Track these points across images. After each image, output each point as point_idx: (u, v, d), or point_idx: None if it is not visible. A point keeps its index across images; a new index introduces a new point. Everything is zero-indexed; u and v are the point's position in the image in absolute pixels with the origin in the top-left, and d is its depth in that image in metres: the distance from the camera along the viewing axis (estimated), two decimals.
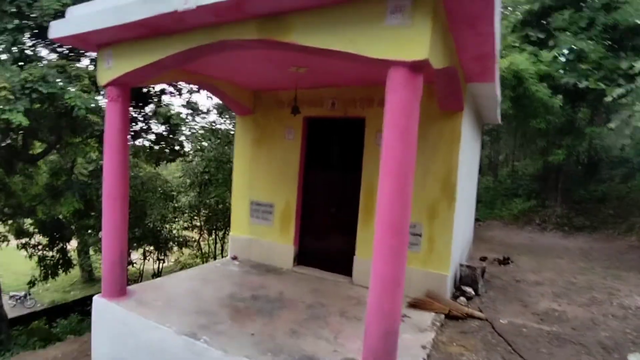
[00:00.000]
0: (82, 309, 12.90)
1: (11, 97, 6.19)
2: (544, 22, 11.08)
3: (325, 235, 5.19)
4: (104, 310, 3.86)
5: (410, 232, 3.65)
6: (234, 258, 5.64)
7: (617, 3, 9.79)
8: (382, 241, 2.47)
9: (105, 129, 3.74)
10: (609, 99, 8.12)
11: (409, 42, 2.27)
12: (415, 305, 3.99)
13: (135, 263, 13.54)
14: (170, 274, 5.22)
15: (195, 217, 12.84)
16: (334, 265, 5.02)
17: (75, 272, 15.96)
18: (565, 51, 10.15)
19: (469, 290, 4.51)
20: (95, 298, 3.96)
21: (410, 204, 2.52)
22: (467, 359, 3.16)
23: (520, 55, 9.58)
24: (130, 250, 12.20)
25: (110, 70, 3.53)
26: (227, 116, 11.57)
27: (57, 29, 3.44)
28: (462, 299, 4.34)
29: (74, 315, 12.37)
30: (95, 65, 9.49)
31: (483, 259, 6.76)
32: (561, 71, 9.90)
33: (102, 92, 8.77)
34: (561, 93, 10.06)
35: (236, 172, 5.87)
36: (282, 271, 5.16)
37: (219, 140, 10.69)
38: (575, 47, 9.65)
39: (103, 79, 3.61)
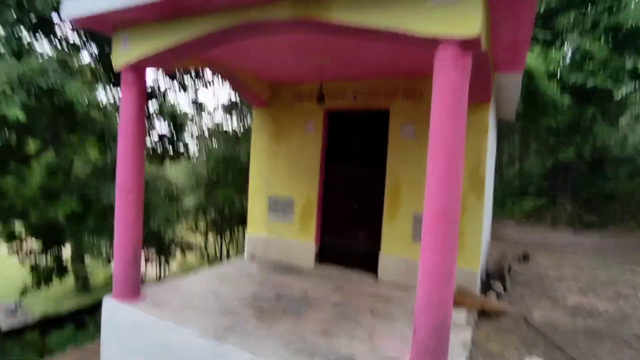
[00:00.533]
0: (76, 320, 12.36)
1: (8, 91, 5.91)
2: (549, 24, 11.19)
3: (348, 232, 4.99)
4: (116, 312, 3.60)
5: None
6: (252, 257, 5.40)
7: (620, 5, 9.93)
8: (433, 229, 2.32)
9: (120, 115, 3.51)
10: (618, 96, 8.14)
11: (459, 19, 2.16)
12: None
13: None
14: (185, 274, 4.97)
15: (201, 219, 12.53)
16: (357, 263, 4.83)
17: (68, 281, 15.37)
18: (570, 52, 10.24)
19: (498, 286, 4.36)
20: (106, 299, 3.69)
21: (461, 189, 2.37)
22: (509, 356, 3.00)
23: (529, 54, 9.60)
24: None
25: (127, 52, 3.31)
26: (234, 115, 11.38)
27: (71, 9, 3.18)
28: (492, 294, 4.18)
29: (68, 328, 11.83)
30: (96, 61, 9.29)
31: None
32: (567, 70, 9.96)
33: (104, 87, 8.52)
34: (568, 92, 10.09)
35: (253, 168, 5.61)
36: (303, 269, 4.95)
37: (227, 140, 10.46)
38: (581, 47, 9.73)
39: (119, 61, 3.39)
